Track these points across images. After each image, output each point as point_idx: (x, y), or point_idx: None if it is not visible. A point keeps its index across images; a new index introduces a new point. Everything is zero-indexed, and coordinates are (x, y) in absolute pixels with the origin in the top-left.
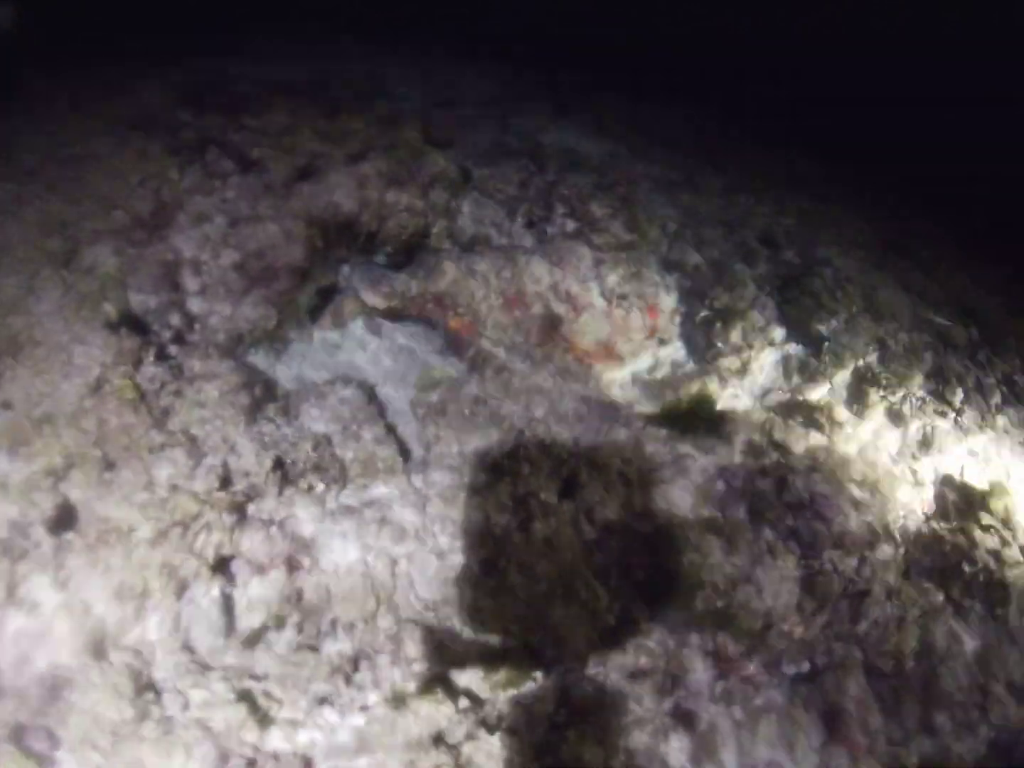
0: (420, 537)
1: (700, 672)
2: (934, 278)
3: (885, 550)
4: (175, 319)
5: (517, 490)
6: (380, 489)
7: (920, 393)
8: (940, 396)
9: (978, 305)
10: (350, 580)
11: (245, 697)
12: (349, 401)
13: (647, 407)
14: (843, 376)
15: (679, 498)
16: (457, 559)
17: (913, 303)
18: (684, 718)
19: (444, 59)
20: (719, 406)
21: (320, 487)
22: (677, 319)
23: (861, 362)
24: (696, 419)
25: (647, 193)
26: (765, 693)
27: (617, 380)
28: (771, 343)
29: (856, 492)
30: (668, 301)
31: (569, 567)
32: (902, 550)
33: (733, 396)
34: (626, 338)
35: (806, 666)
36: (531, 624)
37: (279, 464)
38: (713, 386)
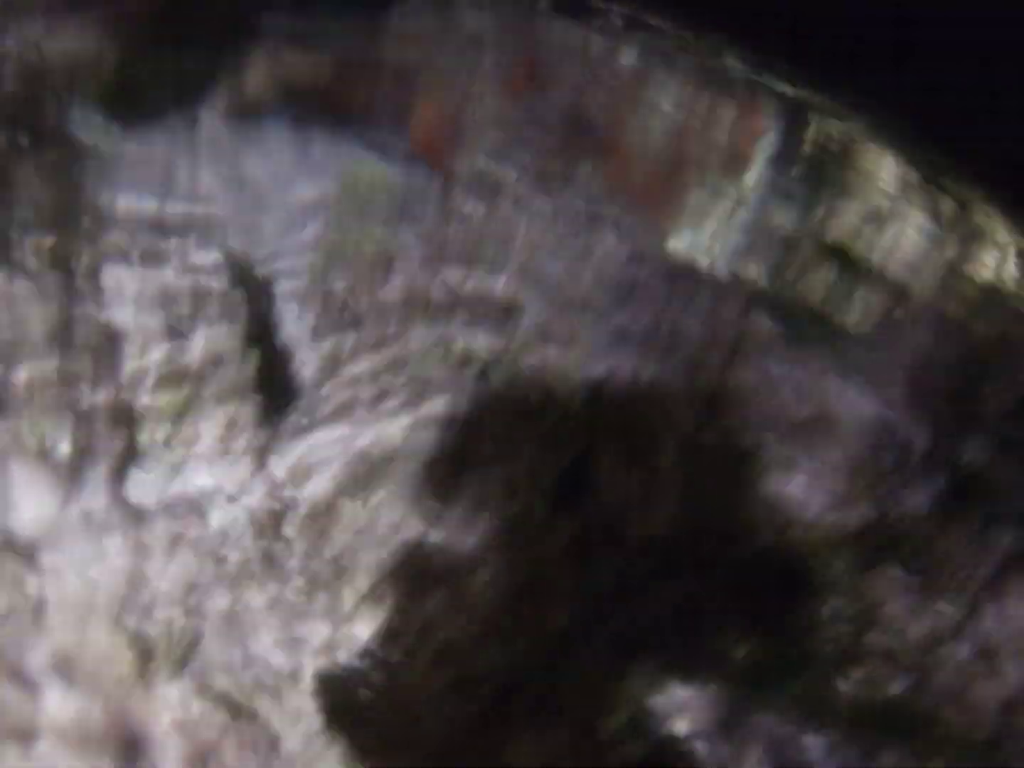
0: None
1: None
2: None
3: None
4: None
5: (445, 484)
6: (201, 478)
7: None
8: None
9: None
10: None
11: None
12: (206, 270)
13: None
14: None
15: (804, 486)
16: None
17: None
18: None
19: None
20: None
21: (64, 449)
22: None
23: None
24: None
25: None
26: None
27: (688, 229)
28: (908, 182)
29: None
30: (770, 108)
31: (554, 646)
32: None
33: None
34: (705, 158)
35: None
36: None
37: None
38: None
